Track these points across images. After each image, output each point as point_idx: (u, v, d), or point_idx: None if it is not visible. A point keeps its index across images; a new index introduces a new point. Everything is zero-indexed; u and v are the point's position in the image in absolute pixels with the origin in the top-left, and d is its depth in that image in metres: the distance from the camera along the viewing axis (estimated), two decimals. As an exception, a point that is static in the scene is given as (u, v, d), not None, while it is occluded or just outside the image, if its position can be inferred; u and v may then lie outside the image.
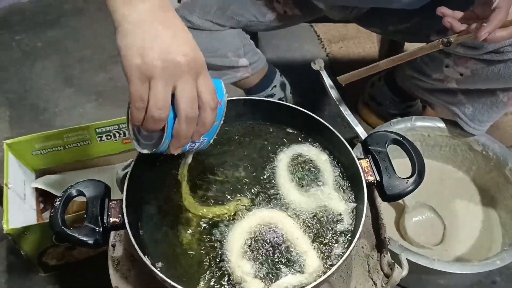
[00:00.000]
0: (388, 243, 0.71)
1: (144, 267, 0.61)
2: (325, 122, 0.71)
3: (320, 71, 1.17)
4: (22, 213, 1.05)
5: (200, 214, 0.66)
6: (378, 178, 0.66)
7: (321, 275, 0.59)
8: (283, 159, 0.73)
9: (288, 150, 0.74)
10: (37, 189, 1.17)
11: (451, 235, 1.14)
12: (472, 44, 0.91)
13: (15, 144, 1.10)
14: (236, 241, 0.63)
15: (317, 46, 1.69)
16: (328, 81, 1.14)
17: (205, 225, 0.65)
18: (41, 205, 1.18)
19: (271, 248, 0.63)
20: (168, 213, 0.67)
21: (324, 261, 0.62)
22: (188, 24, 1.01)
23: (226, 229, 0.65)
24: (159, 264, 0.62)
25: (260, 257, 0.62)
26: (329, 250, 0.63)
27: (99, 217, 0.61)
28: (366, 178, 0.66)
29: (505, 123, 1.41)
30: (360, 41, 1.69)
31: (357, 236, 0.60)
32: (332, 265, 0.60)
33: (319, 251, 0.63)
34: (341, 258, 0.60)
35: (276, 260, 0.62)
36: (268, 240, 0.64)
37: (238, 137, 0.76)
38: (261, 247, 0.63)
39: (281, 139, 0.76)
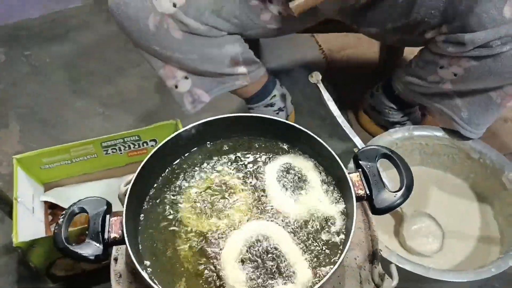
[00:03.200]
0: (380, 254, 0.73)
1: (145, 281, 0.64)
2: (315, 135, 0.74)
3: (318, 84, 1.20)
4: (31, 226, 1.09)
5: (197, 227, 0.69)
6: (368, 192, 0.68)
7: (312, 285, 0.62)
8: (272, 170, 0.75)
9: (276, 161, 0.77)
10: (46, 202, 1.21)
11: (450, 242, 1.16)
12: (461, 40, 0.94)
13: (24, 159, 1.15)
14: (230, 252, 0.66)
15: (318, 56, 1.72)
16: (325, 94, 1.16)
17: (201, 238, 0.68)
18: (50, 217, 1.22)
19: (264, 259, 0.66)
20: (166, 227, 0.70)
21: (317, 269, 0.65)
22: (184, 28, 1.01)
23: (221, 241, 0.68)
24: (157, 276, 0.65)
25: (253, 268, 0.65)
26: (321, 259, 0.66)
27: (100, 233, 0.64)
28: (357, 192, 0.68)
29: (504, 130, 1.42)
30: (361, 51, 1.71)
31: (350, 238, 0.62)
32: (326, 273, 0.63)
33: (311, 261, 0.66)
34: (334, 264, 0.62)
35: (269, 270, 0.65)
36: (261, 251, 0.66)
37: (231, 151, 0.79)
38: (254, 258, 0.66)
39: (271, 152, 0.78)
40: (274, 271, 0.65)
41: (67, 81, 1.68)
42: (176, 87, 1.14)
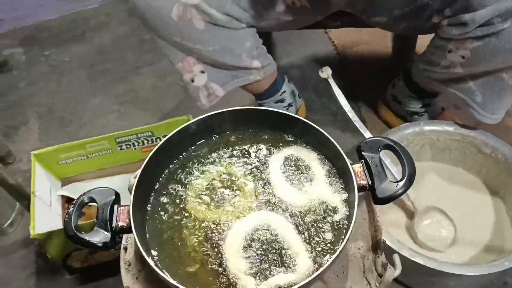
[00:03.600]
0: (383, 244, 0.73)
1: (152, 268, 0.66)
2: (317, 127, 0.75)
3: (328, 79, 1.21)
4: (48, 219, 1.12)
5: (203, 218, 0.71)
6: (370, 182, 0.69)
7: (311, 274, 0.63)
8: (276, 161, 0.77)
9: (281, 152, 0.78)
10: (63, 196, 1.25)
11: (462, 237, 1.15)
12: (462, 20, 0.94)
13: (42, 154, 1.18)
14: (234, 241, 0.68)
15: (331, 52, 1.72)
16: (336, 89, 1.17)
17: (206, 228, 0.70)
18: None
19: (266, 248, 0.67)
20: (173, 218, 0.72)
21: (317, 259, 0.66)
22: (207, 18, 1.04)
23: (225, 231, 0.69)
24: (163, 263, 0.67)
25: (255, 256, 0.66)
26: (323, 249, 0.67)
27: (108, 222, 0.66)
28: (359, 182, 0.69)
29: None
30: (374, 46, 1.71)
31: (351, 227, 0.63)
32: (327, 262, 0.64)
33: (312, 251, 0.67)
34: (335, 252, 0.63)
35: (270, 259, 0.66)
36: (263, 241, 0.68)
37: (237, 143, 0.80)
38: (256, 247, 0.67)
39: (276, 144, 0.80)
40: (276, 260, 0.66)
41: (84, 80, 1.72)
42: (193, 81, 1.17)
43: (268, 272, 0.65)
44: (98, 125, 1.55)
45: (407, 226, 1.19)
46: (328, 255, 0.66)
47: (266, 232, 0.69)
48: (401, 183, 0.68)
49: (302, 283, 0.60)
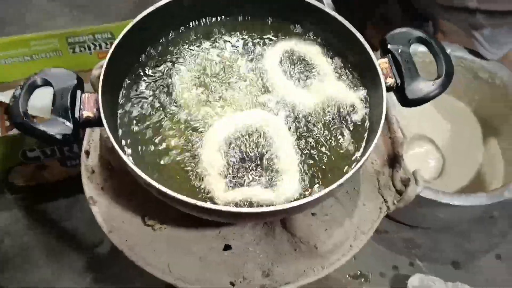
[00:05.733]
0: (402, 159, 0.63)
1: (123, 176, 0.52)
2: (332, 12, 0.61)
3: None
4: (-16, 126, 0.94)
5: (189, 110, 0.57)
6: (398, 81, 0.57)
7: (296, 199, 0.51)
8: (272, 56, 0.62)
9: (276, 47, 0.63)
10: (1, 104, 1.05)
11: (450, 168, 1.08)
12: None
13: (-26, 50, 0.97)
14: (218, 131, 0.55)
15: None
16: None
17: (191, 121, 0.56)
18: (7, 123, 1.06)
19: (251, 153, 0.54)
20: (152, 108, 0.57)
21: (313, 181, 0.54)
22: None
23: (212, 121, 0.56)
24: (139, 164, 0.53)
25: (236, 158, 0.54)
26: (325, 169, 0.55)
27: (69, 110, 0.50)
28: (385, 80, 0.56)
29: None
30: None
31: (379, 130, 0.51)
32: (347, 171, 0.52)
33: (311, 169, 0.55)
34: (356, 163, 0.51)
35: (251, 166, 0.54)
36: (251, 144, 0.55)
37: (230, 30, 0.65)
38: (241, 149, 0.55)
39: (276, 33, 0.65)
40: (259, 170, 0.54)
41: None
42: None
43: (244, 179, 0.53)
44: (45, 28, 1.32)
45: (393, 154, 1.10)
46: (346, 166, 0.54)
47: (259, 136, 0.56)
48: (438, 81, 0.56)
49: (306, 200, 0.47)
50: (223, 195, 0.51)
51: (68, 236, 0.98)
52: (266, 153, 0.55)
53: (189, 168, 0.54)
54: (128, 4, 1.39)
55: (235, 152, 0.54)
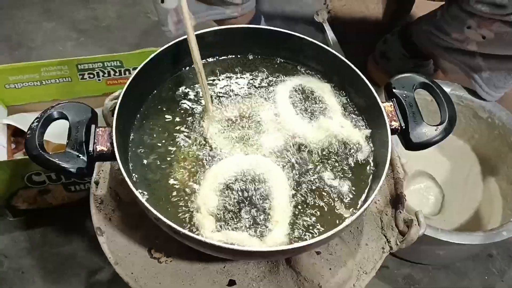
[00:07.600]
0: (405, 199, 0.64)
1: (131, 207, 0.53)
2: (334, 51, 0.63)
3: (323, 23, 1.12)
4: (-9, 149, 0.95)
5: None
6: (403, 124, 0.59)
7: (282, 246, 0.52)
8: (282, 91, 0.65)
9: (287, 82, 0.66)
10: (9, 127, 1.07)
11: (450, 205, 1.09)
12: (499, 1, 0.84)
13: (-14, 74, 0.99)
14: (216, 172, 0.56)
15: (319, 1, 1.59)
16: (330, 34, 1.09)
17: (200, 157, 0.58)
18: (13, 145, 1.08)
19: (246, 198, 0.55)
20: (160, 146, 0.59)
21: (302, 231, 0.54)
22: None
23: (215, 162, 0.58)
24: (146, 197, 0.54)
25: (230, 201, 0.55)
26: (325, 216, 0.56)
27: (83, 144, 0.52)
28: (390, 124, 0.58)
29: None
30: (364, 0, 1.60)
31: (385, 171, 0.53)
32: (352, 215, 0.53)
33: (301, 217, 0.55)
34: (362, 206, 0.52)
35: (242, 212, 0.54)
36: (248, 189, 0.56)
37: (232, 70, 0.67)
38: (237, 192, 0.56)
39: (278, 72, 0.68)
40: (250, 217, 0.54)
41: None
42: (163, 1, 1.01)
43: (232, 224, 0.54)
44: (52, 52, 1.35)
45: (393, 189, 1.11)
46: (345, 209, 0.55)
47: (258, 181, 0.57)
48: (441, 127, 0.58)
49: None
50: (210, 235, 0.52)
51: (68, 261, 0.98)
52: (262, 202, 0.55)
53: (182, 203, 0.55)
54: (133, 31, 1.42)
55: (231, 194, 0.55)
